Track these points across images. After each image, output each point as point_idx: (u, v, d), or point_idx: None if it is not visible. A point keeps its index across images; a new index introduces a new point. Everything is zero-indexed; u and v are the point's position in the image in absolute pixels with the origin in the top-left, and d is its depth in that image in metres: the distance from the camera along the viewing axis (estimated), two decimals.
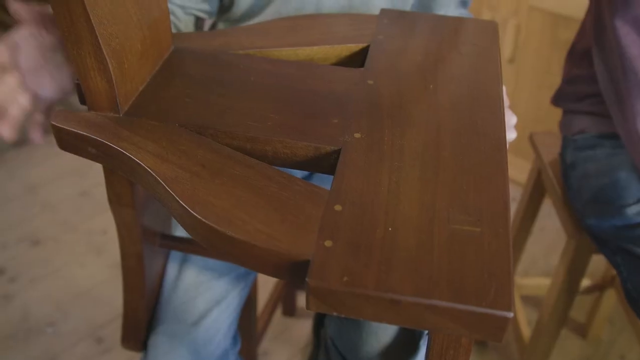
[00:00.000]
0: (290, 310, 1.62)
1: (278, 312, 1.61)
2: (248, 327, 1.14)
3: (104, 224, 1.89)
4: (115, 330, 1.57)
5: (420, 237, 0.46)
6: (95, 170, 2.07)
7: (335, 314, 0.44)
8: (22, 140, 2.19)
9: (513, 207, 1.59)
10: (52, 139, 0.59)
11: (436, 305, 0.41)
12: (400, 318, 0.43)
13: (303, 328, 1.60)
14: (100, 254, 1.79)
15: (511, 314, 0.41)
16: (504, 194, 0.50)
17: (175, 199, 0.50)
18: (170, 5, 0.80)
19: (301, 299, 1.63)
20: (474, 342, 0.52)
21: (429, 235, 0.46)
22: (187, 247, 0.78)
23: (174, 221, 0.83)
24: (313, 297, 0.43)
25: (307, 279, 0.43)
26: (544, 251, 1.84)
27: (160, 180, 0.51)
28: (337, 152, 0.55)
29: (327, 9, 0.84)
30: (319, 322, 0.99)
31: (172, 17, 0.80)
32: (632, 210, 0.98)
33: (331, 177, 0.53)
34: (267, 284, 1.53)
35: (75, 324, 1.58)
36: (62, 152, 0.60)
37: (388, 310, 0.42)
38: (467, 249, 0.45)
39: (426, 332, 0.75)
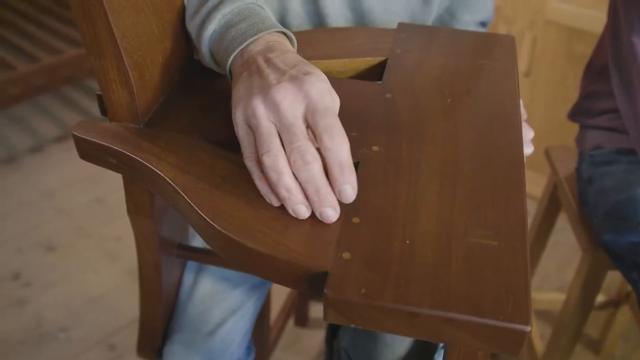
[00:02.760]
0: (302, 321, 1.62)
1: (290, 323, 1.61)
2: (261, 337, 1.15)
3: (118, 231, 1.90)
4: (127, 337, 1.57)
5: (438, 251, 0.46)
6: (109, 177, 2.08)
7: (352, 325, 0.44)
8: (37, 146, 2.22)
9: (528, 221, 1.58)
10: (66, 146, 0.59)
11: (454, 318, 0.42)
12: (418, 331, 0.43)
13: (315, 338, 1.59)
14: (114, 261, 1.80)
15: (529, 328, 0.41)
16: (521, 209, 0.50)
17: (195, 210, 0.50)
18: None
19: (314, 310, 1.63)
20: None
21: (447, 248, 0.46)
22: (204, 257, 0.79)
23: (191, 231, 0.84)
24: (331, 309, 0.43)
25: (325, 291, 0.43)
26: (558, 266, 1.83)
27: (181, 192, 0.52)
28: (355, 165, 0.55)
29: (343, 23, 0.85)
30: (332, 333, 0.99)
31: None
32: None
33: None
34: (279, 294, 1.53)
35: (88, 330, 1.59)
36: (77, 158, 0.61)
37: (406, 322, 0.43)
38: (485, 263, 0.45)
39: (441, 345, 0.75)
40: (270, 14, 0.62)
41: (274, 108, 0.49)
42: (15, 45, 2.53)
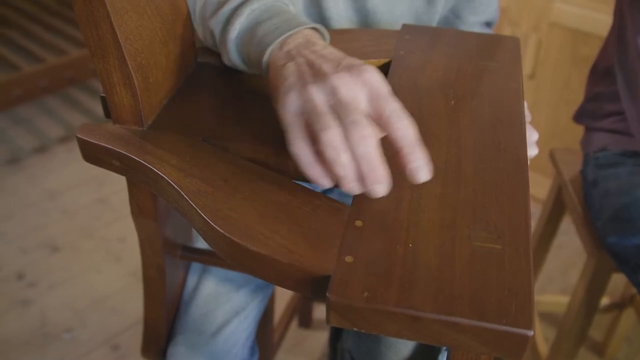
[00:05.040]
0: (306, 322, 1.62)
1: (294, 324, 1.61)
2: (264, 338, 1.15)
3: (122, 232, 1.90)
4: (131, 337, 1.58)
5: (441, 254, 0.46)
6: (113, 178, 2.09)
7: (355, 329, 0.44)
8: (41, 147, 2.22)
9: (532, 224, 1.58)
10: (71, 146, 0.59)
11: (457, 322, 0.41)
12: (421, 335, 0.43)
13: (318, 340, 1.59)
14: (118, 262, 1.80)
15: (532, 333, 0.41)
16: (525, 212, 0.50)
17: (198, 212, 0.50)
18: None
19: (317, 311, 1.63)
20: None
21: (450, 252, 0.46)
22: (208, 259, 0.79)
23: (194, 233, 0.84)
24: (334, 312, 0.43)
25: (327, 294, 0.43)
26: (562, 268, 1.82)
27: (184, 194, 0.52)
28: None
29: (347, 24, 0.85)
30: (336, 334, 0.99)
31: None
32: None
33: None
34: (283, 296, 1.53)
35: (92, 331, 1.59)
36: (81, 159, 0.61)
37: (409, 326, 0.43)
38: (488, 267, 0.45)
39: (444, 347, 0.75)
40: (296, 12, 0.62)
41: (334, 92, 0.48)
42: (20, 46, 2.54)
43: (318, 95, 0.49)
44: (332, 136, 0.46)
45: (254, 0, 0.62)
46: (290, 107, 0.50)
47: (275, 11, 0.61)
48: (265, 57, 0.57)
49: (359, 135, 0.46)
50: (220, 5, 0.63)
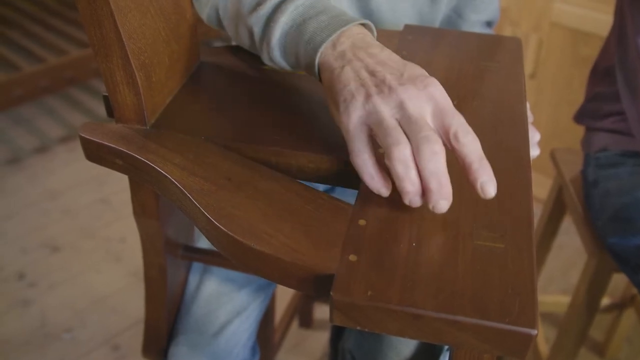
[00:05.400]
0: (306, 322, 1.62)
1: (295, 324, 1.61)
2: (266, 338, 1.15)
3: (122, 232, 1.90)
4: (131, 337, 1.58)
5: (444, 253, 0.46)
6: (114, 178, 2.10)
7: (358, 328, 0.44)
8: (42, 147, 2.22)
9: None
10: (71, 146, 0.59)
11: (459, 321, 0.42)
12: (424, 333, 0.43)
13: (319, 340, 1.59)
14: (119, 262, 1.80)
15: (535, 331, 0.41)
16: (528, 211, 0.50)
17: (202, 211, 0.50)
18: None
19: (318, 311, 1.63)
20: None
21: (453, 251, 0.46)
22: (210, 258, 0.79)
23: (196, 232, 0.84)
24: (337, 311, 0.43)
25: (331, 293, 0.43)
26: (562, 268, 1.83)
27: (187, 193, 0.52)
28: None
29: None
30: (337, 334, 0.99)
31: None
32: None
33: (353, 190, 0.54)
34: (284, 296, 1.53)
35: (92, 331, 1.59)
36: (82, 158, 0.61)
37: (411, 325, 0.43)
38: (491, 266, 0.45)
39: (446, 347, 0.75)
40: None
41: (400, 106, 0.48)
42: (20, 46, 2.54)
43: (384, 108, 0.48)
44: (403, 152, 0.47)
45: None
46: (353, 117, 0.50)
47: (321, 7, 0.58)
48: (318, 57, 0.56)
49: (431, 152, 0.46)
50: (260, 1, 0.61)
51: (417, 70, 0.51)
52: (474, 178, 0.47)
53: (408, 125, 0.47)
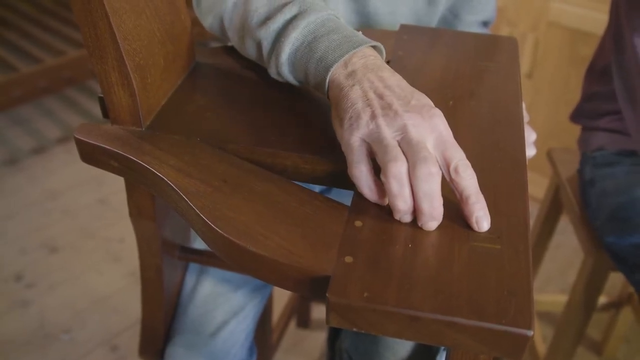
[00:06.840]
0: (304, 322, 1.62)
1: (292, 324, 1.61)
2: (263, 339, 1.15)
3: (121, 232, 1.90)
4: (130, 338, 1.58)
5: (441, 254, 0.46)
6: (113, 179, 2.09)
7: (355, 329, 0.44)
8: (40, 148, 2.22)
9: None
10: (69, 147, 0.59)
11: (456, 322, 0.42)
12: (421, 335, 0.43)
13: (317, 340, 1.59)
14: (118, 262, 1.80)
15: (531, 332, 0.41)
16: (524, 212, 0.50)
17: (197, 213, 0.50)
18: None
19: (315, 311, 1.63)
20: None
21: (449, 252, 0.46)
22: (206, 259, 0.79)
23: (192, 233, 0.84)
24: (333, 312, 0.43)
25: (327, 295, 0.43)
26: (560, 268, 1.83)
27: (183, 195, 0.52)
28: None
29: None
30: (334, 334, 0.99)
31: None
32: None
33: (349, 191, 0.54)
34: (281, 296, 1.53)
35: (91, 332, 1.59)
36: (80, 159, 0.61)
37: (408, 326, 0.43)
38: (487, 267, 0.45)
39: (443, 348, 0.75)
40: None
41: (402, 129, 0.49)
42: (18, 47, 2.53)
43: (387, 129, 0.49)
44: (399, 169, 0.47)
45: (310, 13, 0.59)
46: (355, 132, 0.51)
47: (332, 26, 0.59)
48: (329, 75, 0.56)
49: (427, 173, 0.47)
50: (270, 16, 0.61)
51: (424, 99, 0.52)
52: (470, 212, 0.48)
53: (408, 147, 0.48)
